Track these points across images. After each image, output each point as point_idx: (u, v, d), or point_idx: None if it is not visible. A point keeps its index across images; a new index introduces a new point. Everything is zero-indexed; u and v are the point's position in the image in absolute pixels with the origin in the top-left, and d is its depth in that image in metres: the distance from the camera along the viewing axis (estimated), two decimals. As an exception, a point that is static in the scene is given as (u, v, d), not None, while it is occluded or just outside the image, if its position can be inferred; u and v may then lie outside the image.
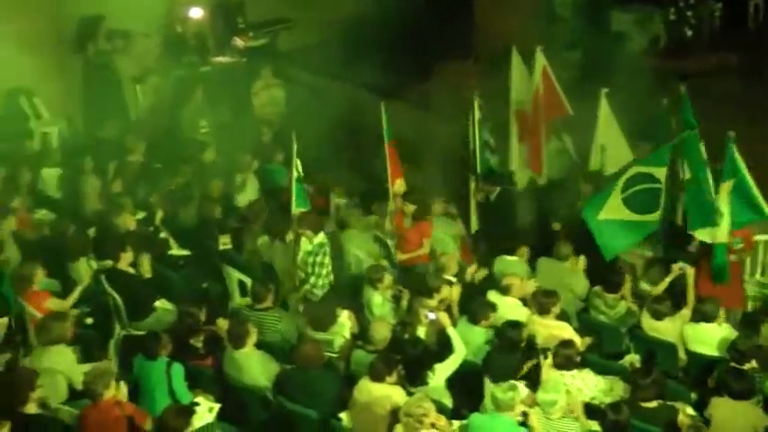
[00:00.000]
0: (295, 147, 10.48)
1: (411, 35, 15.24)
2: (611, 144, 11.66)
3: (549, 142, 12.51)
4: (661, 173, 10.45)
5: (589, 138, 11.95)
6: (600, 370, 8.94)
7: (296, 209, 10.54)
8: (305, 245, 10.29)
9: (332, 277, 10.37)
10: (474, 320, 9.45)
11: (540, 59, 12.21)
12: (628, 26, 17.09)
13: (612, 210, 10.48)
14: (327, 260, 10.34)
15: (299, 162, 10.54)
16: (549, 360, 8.73)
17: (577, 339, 9.30)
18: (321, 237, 10.33)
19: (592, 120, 11.90)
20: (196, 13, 15.54)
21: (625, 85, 13.40)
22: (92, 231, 11.10)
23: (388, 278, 10.16)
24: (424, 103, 15.36)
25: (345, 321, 9.54)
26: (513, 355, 8.87)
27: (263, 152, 13.15)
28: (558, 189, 12.39)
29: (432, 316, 9.29)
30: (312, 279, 10.22)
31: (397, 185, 11.68)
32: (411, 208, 11.28)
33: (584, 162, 12.14)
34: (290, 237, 10.62)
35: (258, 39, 15.91)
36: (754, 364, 8.84)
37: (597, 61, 15.30)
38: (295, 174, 10.54)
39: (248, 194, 12.34)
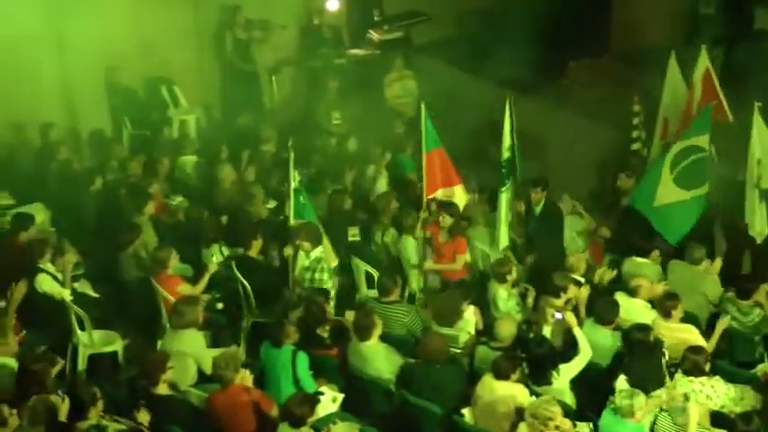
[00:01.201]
0: (292, 156, 10.36)
1: (546, 30, 15.09)
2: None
3: None
4: (704, 140, 10.42)
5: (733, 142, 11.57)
6: (730, 378, 8.70)
7: (294, 219, 10.39)
8: (302, 259, 10.01)
9: (333, 293, 10.01)
10: (601, 322, 9.32)
11: (704, 59, 11.77)
12: (772, 24, 16.57)
13: (666, 194, 10.47)
14: (327, 276, 10.07)
15: (296, 173, 10.45)
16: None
17: (703, 342, 9.11)
18: (319, 251, 10.08)
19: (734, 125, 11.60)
20: (333, 5, 15.71)
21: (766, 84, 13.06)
22: (224, 219, 11.33)
23: (514, 272, 10.10)
24: (559, 99, 15.21)
25: (470, 317, 9.53)
26: (650, 360, 8.69)
27: (396, 143, 13.20)
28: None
29: (558, 316, 9.20)
30: None
31: (457, 192, 11.25)
32: (448, 221, 10.89)
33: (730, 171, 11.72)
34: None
35: (393, 32, 15.98)
36: None
37: (740, 59, 14.87)
38: (293, 184, 10.41)
39: (379, 187, 12.40)
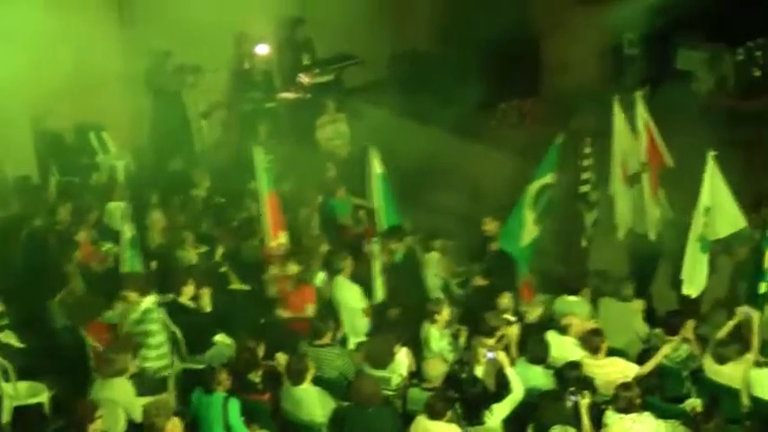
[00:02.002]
0: (130, 207, 10.45)
1: (476, 72, 15.26)
2: (719, 206, 10.60)
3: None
4: (552, 177, 10.95)
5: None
6: (661, 413, 8.79)
7: (125, 269, 10.36)
8: (131, 312, 9.75)
9: (166, 349, 9.77)
10: (533, 360, 9.38)
11: (641, 109, 11.67)
12: (695, 65, 16.94)
13: (529, 233, 10.85)
14: (158, 327, 9.76)
15: (132, 225, 10.49)
16: (587, 400, 8.64)
17: (634, 369, 9.29)
18: (149, 301, 9.81)
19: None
20: (263, 49, 15.72)
21: (691, 124, 13.33)
22: (155, 265, 11.23)
23: (446, 312, 10.12)
24: (490, 140, 15.34)
25: (403, 359, 9.52)
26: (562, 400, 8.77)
27: (328, 186, 13.22)
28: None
29: (490, 355, 9.24)
30: (143, 351, 9.54)
31: (280, 238, 11.16)
32: (295, 269, 10.78)
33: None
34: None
35: (324, 75, 16.04)
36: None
37: (664, 99, 15.15)
38: (129, 234, 10.44)
39: (311, 230, 12.39)
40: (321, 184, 13.22)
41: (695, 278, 10.38)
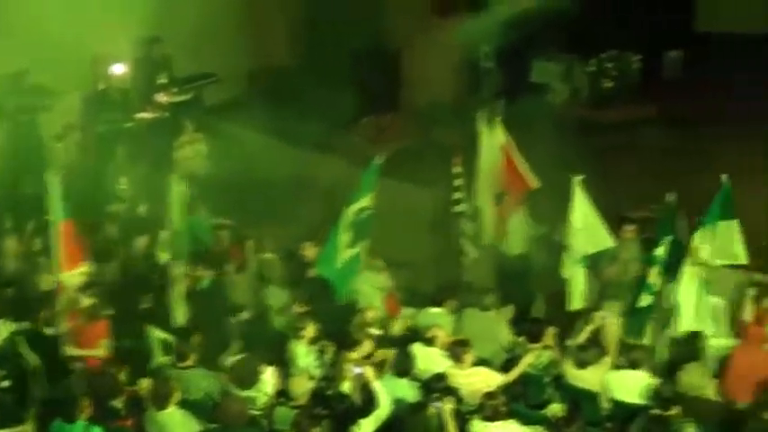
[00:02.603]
0: None
1: (336, 87, 15.30)
2: (587, 227, 10.94)
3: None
4: (370, 199, 10.95)
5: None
6: (525, 420, 8.93)
7: None
8: None
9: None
10: (398, 374, 9.42)
11: (499, 132, 11.81)
12: (550, 78, 17.35)
13: (345, 255, 10.86)
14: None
15: None
16: (451, 406, 8.74)
17: (498, 379, 9.44)
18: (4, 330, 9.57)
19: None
20: (119, 69, 15.43)
21: (547, 135, 13.61)
22: (10, 291, 10.89)
23: (311, 329, 10.09)
24: (351, 155, 15.37)
25: (269, 378, 9.44)
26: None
27: (188, 207, 13.02)
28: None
29: (357, 370, 9.24)
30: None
31: (79, 269, 10.44)
32: (88, 302, 10.20)
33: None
34: None
35: (182, 94, 15.84)
36: (676, 410, 8.91)
37: (520, 112, 15.45)
38: None
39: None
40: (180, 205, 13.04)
41: (576, 293, 10.68)
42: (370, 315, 10.58)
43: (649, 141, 15.69)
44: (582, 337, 10.21)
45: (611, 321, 10.17)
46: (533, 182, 11.85)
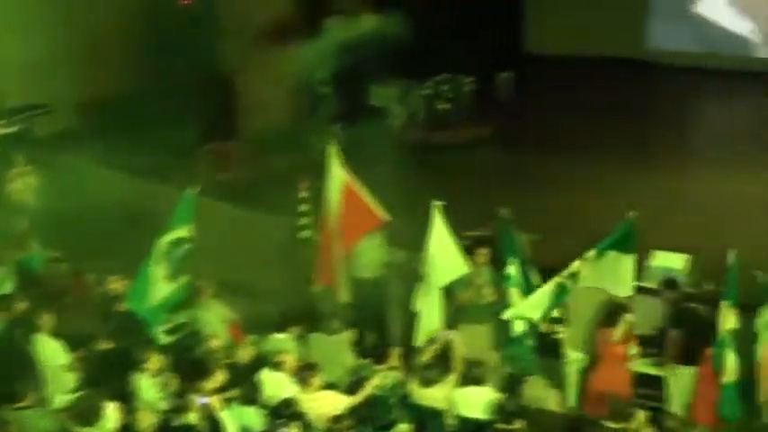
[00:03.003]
0: None
1: (174, 115, 15.13)
2: (441, 254, 10.87)
3: None
4: (188, 230, 10.79)
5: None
6: (373, 442, 8.99)
7: None
8: None
9: None
10: (246, 401, 9.34)
11: (338, 172, 11.50)
12: (387, 101, 17.58)
13: (162, 289, 10.63)
14: None
15: None
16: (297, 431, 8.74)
17: (345, 401, 9.47)
18: None
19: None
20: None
21: (387, 158, 13.77)
22: None
23: (155, 360, 9.91)
24: (189, 184, 15.17)
25: (112, 414, 9.21)
26: None
27: (19, 241, 12.66)
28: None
29: (202, 401, 9.12)
30: None
31: None
32: None
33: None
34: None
35: (11, 125, 15.40)
36: (520, 424, 9.10)
37: (358, 136, 15.63)
38: None
39: (4, 287, 11.82)
40: (13, 240, 12.68)
41: (424, 327, 10.64)
42: (215, 344, 10.45)
43: (485, 161, 16.06)
44: (427, 356, 10.32)
45: (455, 340, 10.30)
46: (382, 215, 11.69)
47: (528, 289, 10.49)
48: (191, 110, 15.87)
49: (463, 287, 11.18)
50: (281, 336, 10.82)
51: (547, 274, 10.49)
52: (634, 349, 10.36)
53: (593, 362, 10.50)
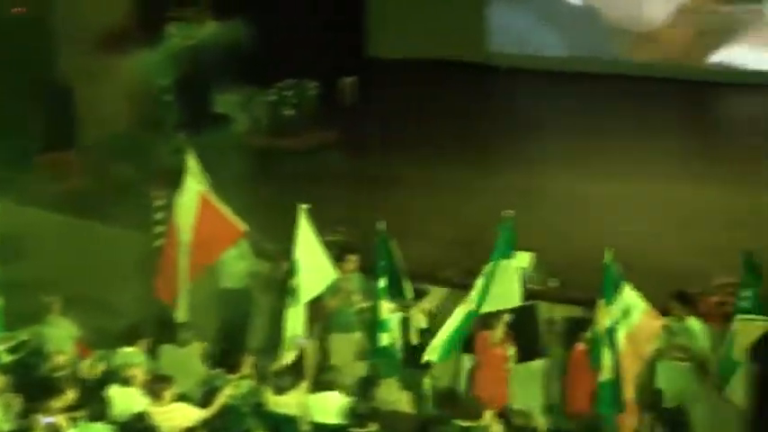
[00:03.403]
0: None
1: (9, 124, 14.70)
2: (309, 261, 10.56)
3: None
4: None
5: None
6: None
7: None
8: None
9: None
10: (92, 418, 9.15)
11: (193, 184, 11.22)
12: (231, 108, 17.46)
13: None
14: None
15: None
16: None
17: (198, 414, 9.37)
18: None
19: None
20: None
21: (233, 165, 13.68)
22: None
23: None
24: (25, 194, 14.76)
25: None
26: None
27: None
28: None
29: (47, 420, 8.89)
30: None
31: None
32: None
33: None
34: None
35: None
36: (374, 426, 9.18)
37: (203, 144, 15.46)
38: None
39: None
40: None
41: (295, 327, 10.37)
42: (62, 360, 10.20)
43: (329, 166, 16.11)
44: (279, 363, 10.30)
45: (308, 346, 10.32)
46: (241, 226, 11.48)
47: (400, 298, 10.53)
48: (26, 119, 15.42)
49: (331, 294, 11.09)
50: (129, 349, 10.63)
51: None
52: (512, 350, 10.49)
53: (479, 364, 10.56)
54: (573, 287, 11.76)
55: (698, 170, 15.52)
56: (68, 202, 14.24)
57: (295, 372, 10.01)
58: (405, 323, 10.74)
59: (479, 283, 9.96)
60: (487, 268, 9.98)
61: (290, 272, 10.26)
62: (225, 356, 10.38)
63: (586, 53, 20.20)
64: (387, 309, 10.40)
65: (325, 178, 15.58)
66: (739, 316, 9.99)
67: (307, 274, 10.26)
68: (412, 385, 10.68)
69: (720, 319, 10.70)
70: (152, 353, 10.75)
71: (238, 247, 11.83)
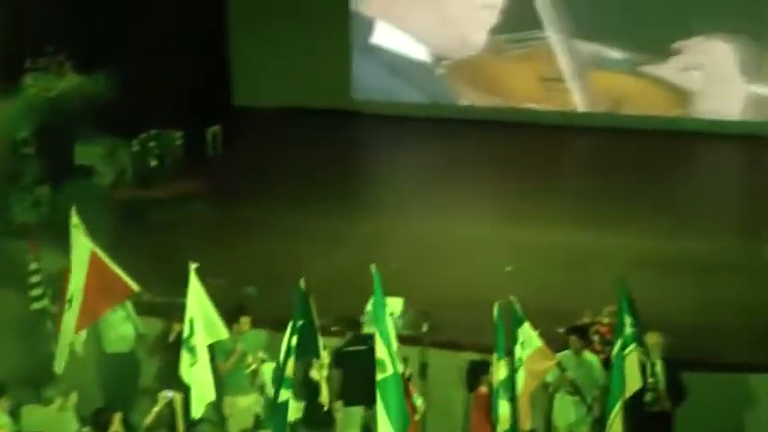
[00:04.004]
0: None
1: None
2: (202, 317, 10.42)
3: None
4: None
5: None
6: None
7: None
8: None
9: None
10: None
11: (83, 241, 11.20)
12: (94, 159, 17.17)
13: None
14: None
15: None
16: None
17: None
18: None
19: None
20: None
21: (97, 219, 13.41)
22: None
23: None
24: None
25: None
26: None
27: None
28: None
29: None
30: None
31: None
32: None
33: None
34: None
35: None
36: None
37: (66, 197, 15.15)
38: None
39: None
40: None
41: (198, 398, 10.11)
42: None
43: (196, 216, 15.98)
44: (150, 418, 10.15)
45: (177, 400, 10.18)
46: (131, 285, 11.47)
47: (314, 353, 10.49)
48: None
49: (224, 356, 11.05)
50: (-9, 410, 10.32)
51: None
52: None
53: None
54: (445, 330, 11.88)
55: (552, 210, 15.92)
56: None
57: (168, 427, 9.87)
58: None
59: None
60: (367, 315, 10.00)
61: (186, 332, 10.14)
62: (95, 414, 10.13)
63: (445, 100, 20.60)
64: (291, 367, 10.04)
65: (191, 228, 15.44)
66: (617, 347, 10.17)
67: (198, 331, 10.18)
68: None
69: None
70: (13, 414, 10.46)
71: (124, 309, 11.75)
